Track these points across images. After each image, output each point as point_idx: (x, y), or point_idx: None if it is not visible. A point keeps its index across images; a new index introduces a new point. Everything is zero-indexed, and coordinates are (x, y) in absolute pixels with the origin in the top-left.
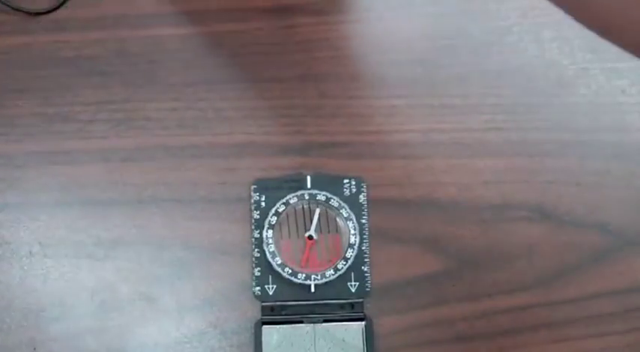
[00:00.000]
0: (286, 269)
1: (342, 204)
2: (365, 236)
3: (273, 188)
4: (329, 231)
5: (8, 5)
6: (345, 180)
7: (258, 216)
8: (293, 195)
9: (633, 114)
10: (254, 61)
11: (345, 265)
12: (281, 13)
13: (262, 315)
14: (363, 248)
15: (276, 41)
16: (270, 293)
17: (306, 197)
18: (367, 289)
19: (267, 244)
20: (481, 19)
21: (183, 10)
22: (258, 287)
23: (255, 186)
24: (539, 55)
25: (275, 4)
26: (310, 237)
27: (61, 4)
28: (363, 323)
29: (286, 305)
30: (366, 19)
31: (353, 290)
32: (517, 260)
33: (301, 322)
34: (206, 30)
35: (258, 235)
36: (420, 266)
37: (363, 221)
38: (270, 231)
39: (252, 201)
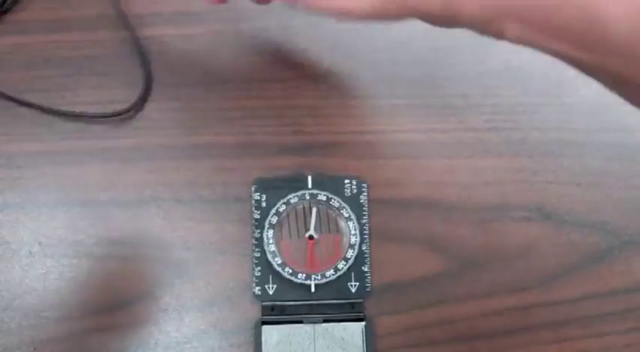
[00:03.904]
0: (286, 269)
1: (343, 204)
2: (365, 236)
3: (274, 188)
4: (329, 231)
5: None
6: (346, 181)
7: (258, 216)
8: (294, 194)
9: (633, 114)
10: (254, 61)
11: (345, 265)
12: (280, 13)
13: (262, 315)
14: (364, 248)
15: (276, 41)
16: (271, 293)
17: (307, 197)
18: (367, 289)
19: (268, 244)
20: None
21: (183, 10)
22: (258, 287)
23: (255, 186)
24: (539, 55)
25: (275, 4)
26: (311, 237)
27: None
28: (363, 323)
29: (286, 305)
30: None
31: (353, 290)
32: (517, 260)
33: (301, 322)
34: (206, 30)
35: (259, 235)
36: (420, 266)
37: (364, 221)
38: (271, 231)
39: (253, 200)
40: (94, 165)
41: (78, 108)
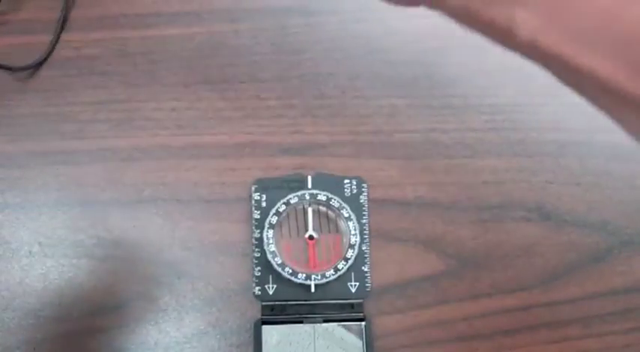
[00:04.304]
0: (286, 269)
1: (343, 204)
2: (365, 236)
3: (274, 188)
4: (329, 231)
5: None
6: (346, 181)
7: (258, 216)
8: (294, 195)
9: None
10: (254, 61)
11: (345, 265)
12: (280, 13)
13: (262, 315)
14: (364, 248)
15: (276, 41)
16: (270, 293)
17: (307, 197)
18: (367, 289)
19: (268, 244)
20: None
21: (183, 10)
22: (258, 287)
23: (256, 186)
24: None
25: (274, 4)
26: (311, 237)
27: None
28: (363, 323)
29: (286, 305)
30: (365, 19)
31: (353, 291)
32: (517, 260)
33: (301, 322)
34: (206, 30)
35: (259, 235)
36: (420, 266)
37: (364, 221)
38: (271, 231)
39: (253, 200)
40: (94, 165)
41: (78, 109)
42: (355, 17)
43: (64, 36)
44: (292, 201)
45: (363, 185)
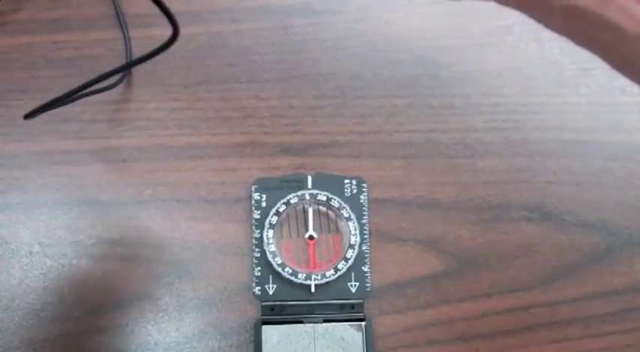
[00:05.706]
0: (286, 269)
1: (343, 204)
2: (365, 236)
3: (274, 188)
4: (329, 231)
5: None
6: (346, 180)
7: (258, 216)
8: (294, 194)
9: (633, 114)
10: (254, 61)
11: (345, 265)
12: (281, 13)
13: (262, 315)
14: (364, 248)
15: (276, 41)
16: (271, 293)
17: (307, 197)
18: (367, 289)
19: (268, 244)
20: (481, 19)
21: (183, 10)
22: (258, 287)
23: (256, 186)
24: (539, 55)
25: (275, 4)
26: (311, 237)
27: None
28: (363, 323)
29: (286, 305)
30: (366, 19)
31: (353, 291)
32: (517, 260)
33: (301, 322)
34: (206, 30)
35: (259, 235)
36: (420, 266)
37: (364, 221)
38: (271, 231)
39: (253, 200)
40: (94, 165)
41: (78, 109)
42: (356, 17)
43: (64, 36)
44: (292, 201)
45: (363, 185)
